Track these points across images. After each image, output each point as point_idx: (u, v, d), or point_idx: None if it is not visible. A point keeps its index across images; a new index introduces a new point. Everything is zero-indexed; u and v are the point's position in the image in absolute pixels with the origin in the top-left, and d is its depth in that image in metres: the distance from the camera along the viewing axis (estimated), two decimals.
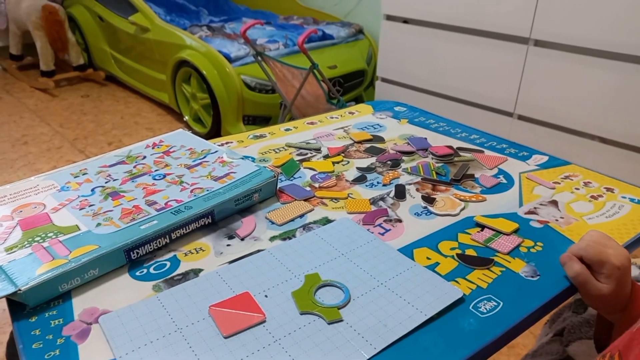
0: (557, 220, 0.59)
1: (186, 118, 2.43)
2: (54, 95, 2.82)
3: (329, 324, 0.42)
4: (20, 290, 0.42)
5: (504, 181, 0.68)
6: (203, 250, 0.52)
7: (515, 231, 0.56)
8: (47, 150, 2.20)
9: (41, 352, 0.39)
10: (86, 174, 0.62)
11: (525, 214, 0.60)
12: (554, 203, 0.63)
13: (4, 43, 3.23)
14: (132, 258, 0.49)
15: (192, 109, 2.38)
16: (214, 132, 2.24)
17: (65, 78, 2.99)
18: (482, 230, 0.56)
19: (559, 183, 0.68)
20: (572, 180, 0.69)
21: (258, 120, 2.22)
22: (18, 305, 0.43)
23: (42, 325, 0.42)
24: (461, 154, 0.76)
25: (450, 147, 0.77)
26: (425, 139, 0.81)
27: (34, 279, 0.43)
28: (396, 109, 0.96)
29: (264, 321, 0.42)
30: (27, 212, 0.54)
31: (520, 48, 1.68)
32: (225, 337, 0.40)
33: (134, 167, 0.64)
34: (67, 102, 2.74)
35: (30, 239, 0.49)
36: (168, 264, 0.50)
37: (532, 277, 0.49)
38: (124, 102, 2.76)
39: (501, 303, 0.45)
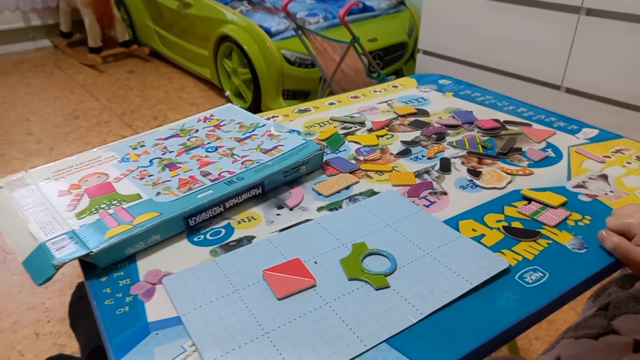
0: (606, 194, 0.58)
1: (227, 93, 2.47)
2: (102, 71, 2.92)
3: (376, 289, 0.44)
4: (92, 252, 0.46)
5: (552, 155, 0.67)
6: (255, 219, 0.55)
7: (563, 204, 0.56)
8: (97, 124, 2.30)
9: (113, 308, 0.43)
10: (144, 146, 0.66)
11: (574, 187, 0.59)
12: (604, 177, 0.62)
13: (55, 21, 3.36)
14: (190, 225, 0.53)
15: (233, 84, 2.41)
16: (255, 107, 2.27)
17: (111, 54, 3.08)
18: (529, 203, 0.56)
19: (610, 157, 0.66)
20: (623, 154, 0.67)
21: (297, 94, 2.23)
22: (89, 266, 0.47)
23: (112, 285, 0.46)
24: (508, 127, 0.75)
25: (496, 120, 0.77)
26: (471, 112, 0.80)
27: (104, 242, 0.47)
28: (441, 82, 0.95)
29: (315, 285, 0.44)
30: (92, 181, 0.58)
31: (571, 18, 1.61)
32: (279, 299, 0.43)
33: (188, 139, 0.67)
34: (114, 78, 2.83)
35: (97, 206, 0.53)
36: (223, 230, 0.53)
37: (579, 249, 0.49)
38: (167, 78, 2.83)
39: (547, 274, 0.46)
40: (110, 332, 0.41)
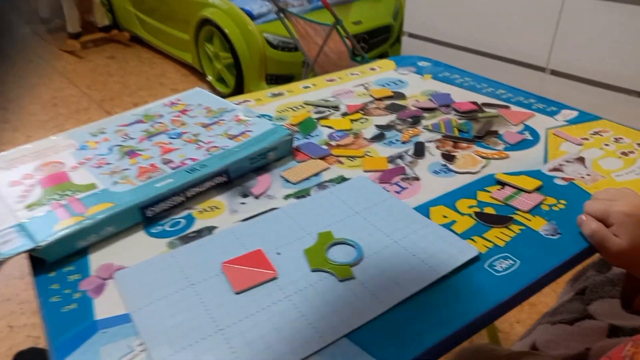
0: (582, 177, 0.56)
1: (209, 78, 2.42)
2: (81, 57, 2.85)
3: (340, 281, 0.42)
4: (39, 246, 0.43)
5: (530, 137, 0.65)
6: (218, 209, 0.52)
7: (538, 189, 0.54)
8: (76, 111, 2.25)
9: (58, 306, 0.40)
10: (104, 132, 0.63)
11: (550, 171, 0.58)
12: (581, 160, 0.60)
13: (33, 6, 3.26)
14: (147, 216, 0.50)
15: (215, 69, 2.37)
16: (237, 92, 2.23)
17: (91, 40, 3.01)
18: (502, 188, 0.54)
19: (588, 139, 0.65)
20: (601, 136, 0.65)
21: (281, 79, 2.19)
22: (38, 261, 0.45)
23: (60, 280, 0.43)
24: (485, 109, 0.73)
25: (474, 103, 0.74)
26: (449, 94, 0.78)
27: (52, 235, 0.44)
28: (420, 64, 0.92)
29: (275, 278, 0.42)
30: (47, 170, 0.55)
31: None
32: (237, 293, 0.41)
33: (151, 126, 0.64)
34: (94, 64, 2.77)
35: (49, 197, 0.50)
36: (183, 221, 0.50)
37: (553, 235, 0.47)
38: (148, 63, 2.77)
39: (518, 262, 0.44)
40: (53, 332, 0.38)
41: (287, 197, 0.54)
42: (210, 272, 0.43)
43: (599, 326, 0.60)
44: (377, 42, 2.34)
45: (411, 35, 2.13)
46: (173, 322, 0.38)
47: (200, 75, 2.54)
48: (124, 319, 0.39)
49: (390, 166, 0.59)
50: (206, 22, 2.25)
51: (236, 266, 0.43)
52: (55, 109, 2.27)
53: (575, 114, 0.71)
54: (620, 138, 0.65)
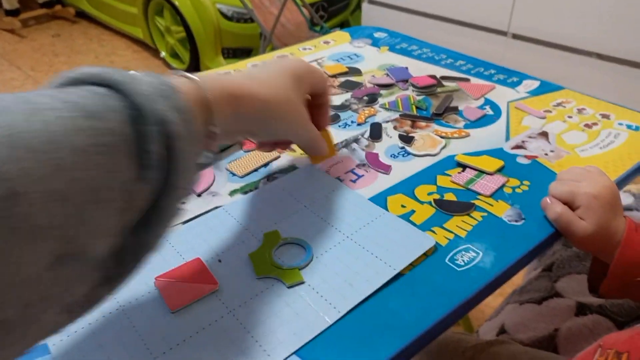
0: (546, 154, 0.54)
1: (163, 54, 2.30)
2: (22, 36, 2.66)
3: (288, 287, 0.38)
4: None
5: (490, 112, 0.62)
6: None
7: (500, 170, 0.51)
8: None
9: None
10: None
11: (512, 149, 0.55)
12: (544, 135, 0.57)
13: None
14: None
15: (169, 44, 2.25)
16: (193, 67, 2.13)
17: (32, 17, 2.81)
18: (463, 171, 0.51)
19: (551, 112, 0.62)
20: (564, 107, 0.63)
21: (238, 52, 2.10)
22: None
23: None
24: (445, 84, 0.69)
25: (433, 76, 0.70)
26: (406, 68, 0.74)
27: None
28: (376, 35, 0.87)
29: (217, 290, 0.38)
30: None
31: None
32: (173, 312, 0.36)
33: None
34: (37, 43, 2.59)
35: None
36: None
37: (516, 221, 0.45)
38: (97, 41, 2.61)
39: (480, 253, 0.41)
40: None
41: (232, 192, 0.49)
42: (141, 290, 0.38)
43: (566, 304, 0.59)
44: (337, 10, 2.26)
45: (372, 2, 2.07)
46: (101, 355, 0.33)
47: (153, 52, 2.42)
48: (43, 350, 0.34)
49: (343, 153, 0.55)
50: None
51: (172, 280, 0.38)
52: None
53: (537, 84, 0.68)
54: (583, 109, 0.62)
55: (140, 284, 0.38)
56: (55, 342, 0.34)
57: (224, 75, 0.39)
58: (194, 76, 0.34)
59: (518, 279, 0.70)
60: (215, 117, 0.33)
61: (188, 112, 0.29)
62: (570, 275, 0.64)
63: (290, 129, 0.43)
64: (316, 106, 0.47)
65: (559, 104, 0.63)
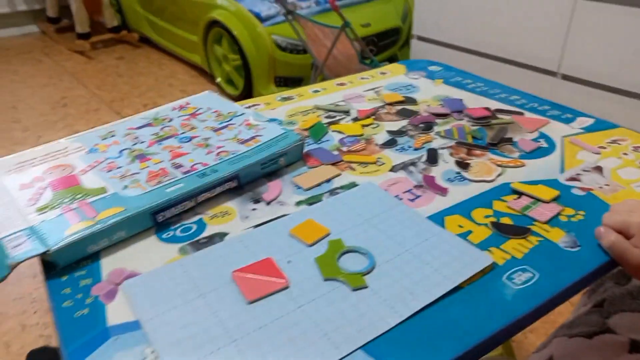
0: (601, 187, 0.55)
1: (218, 80, 2.42)
2: (91, 58, 2.86)
3: (353, 290, 0.41)
4: (49, 250, 0.43)
5: (545, 145, 0.64)
6: (229, 214, 0.52)
7: (555, 199, 0.53)
8: (86, 112, 2.25)
9: (71, 311, 0.40)
10: (114, 136, 0.62)
11: (567, 180, 0.56)
12: (599, 169, 0.59)
13: (41, 5, 3.28)
14: (158, 221, 0.49)
15: (224, 71, 2.37)
16: (246, 93, 2.23)
17: (100, 40, 3.02)
18: (519, 198, 0.53)
19: (605, 148, 0.63)
20: (619, 144, 0.64)
21: (290, 81, 2.19)
22: (49, 264, 0.44)
23: (72, 285, 0.43)
24: (499, 116, 0.72)
25: (487, 108, 0.73)
26: (461, 100, 0.77)
27: (63, 239, 0.43)
28: (430, 68, 0.91)
29: (287, 287, 0.41)
30: (57, 173, 0.55)
31: (567, 1, 1.57)
32: (249, 303, 0.40)
33: (161, 129, 0.64)
34: (103, 65, 2.78)
35: (59, 200, 0.50)
36: (194, 227, 0.50)
37: (572, 247, 0.46)
38: (157, 64, 2.78)
39: (537, 274, 0.43)
40: (67, 337, 0.37)
41: (298, 203, 0.53)
42: (220, 282, 0.42)
43: (619, 341, 0.59)
44: (386, 45, 2.33)
45: (420, 38, 2.12)
46: (185, 333, 0.37)
47: (209, 77, 2.55)
48: (136, 325, 0.38)
49: (402, 175, 0.58)
50: (215, 23, 2.25)
51: (247, 275, 0.42)
52: (65, 109, 2.28)
53: (591, 121, 0.70)
54: (639, 147, 0.63)
55: (220, 277, 0.42)
56: (147, 320, 0.38)
57: None
58: None
59: (565, 310, 0.70)
60: None
61: None
62: (623, 313, 0.64)
63: None
64: None
65: (614, 141, 0.65)
